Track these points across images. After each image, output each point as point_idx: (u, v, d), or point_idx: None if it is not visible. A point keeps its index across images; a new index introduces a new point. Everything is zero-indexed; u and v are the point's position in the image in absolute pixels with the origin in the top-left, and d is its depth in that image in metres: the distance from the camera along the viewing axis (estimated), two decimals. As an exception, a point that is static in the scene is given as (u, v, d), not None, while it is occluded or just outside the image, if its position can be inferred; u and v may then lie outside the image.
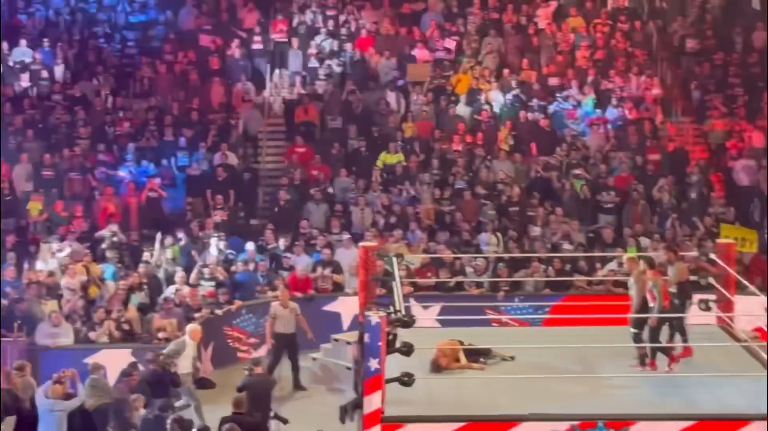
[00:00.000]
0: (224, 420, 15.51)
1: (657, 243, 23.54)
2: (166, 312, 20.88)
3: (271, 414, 17.57)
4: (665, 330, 17.23)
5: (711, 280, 19.09)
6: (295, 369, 20.96)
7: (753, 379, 16.44)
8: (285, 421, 17.96)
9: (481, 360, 17.26)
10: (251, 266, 23.49)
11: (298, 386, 20.92)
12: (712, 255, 19.66)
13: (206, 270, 22.83)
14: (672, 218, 25.08)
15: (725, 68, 29.59)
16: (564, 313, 20.98)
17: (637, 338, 17.14)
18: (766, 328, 18.97)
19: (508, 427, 15.13)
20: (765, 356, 17.13)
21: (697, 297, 18.34)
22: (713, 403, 15.74)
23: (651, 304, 16.94)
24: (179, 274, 22.35)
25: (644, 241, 24.11)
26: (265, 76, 29.70)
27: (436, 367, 16.81)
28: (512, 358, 17.34)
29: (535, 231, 24.66)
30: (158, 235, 23.70)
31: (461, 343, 17.30)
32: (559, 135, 27.64)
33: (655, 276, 17.11)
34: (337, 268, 23.77)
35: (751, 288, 19.44)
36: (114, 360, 19.21)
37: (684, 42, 30.05)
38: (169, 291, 21.99)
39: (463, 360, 17.06)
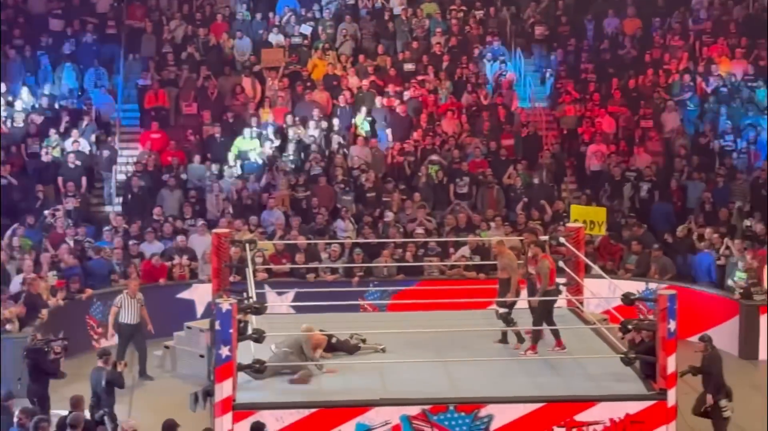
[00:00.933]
0: (62, 420, 14.97)
1: (507, 227, 23.93)
2: (11, 302, 20.39)
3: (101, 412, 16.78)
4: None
5: (561, 263, 19.40)
6: (143, 358, 20.68)
7: (601, 361, 16.79)
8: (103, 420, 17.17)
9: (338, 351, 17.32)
10: (105, 254, 23.17)
11: (143, 375, 20.63)
12: (562, 239, 19.98)
13: (53, 259, 22.43)
14: (523, 202, 25.39)
15: (577, 54, 30.05)
16: (418, 298, 21.13)
17: (506, 318, 17.40)
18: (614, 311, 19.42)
19: (359, 413, 15.24)
20: (613, 339, 17.49)
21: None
22: (561, 385, 16.02)
23: (539, 287, 17.29)
24: (26, 263, 21.90)
25: (493, 225, 24.36)
26: (119, 61, 29.28)
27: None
28: (383, 350, 17.38)
29: (389, 216, 24.70)
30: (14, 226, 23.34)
31: (327, 335, 17.32)
32: (415, 121, 27.79)
33: (545, 258, 17.43)
34: (192, 255, 23.58)
35: (598, 271, 19.81)
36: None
37: (536, 28, 30.40)
38: (15, 281, 21.54)
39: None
